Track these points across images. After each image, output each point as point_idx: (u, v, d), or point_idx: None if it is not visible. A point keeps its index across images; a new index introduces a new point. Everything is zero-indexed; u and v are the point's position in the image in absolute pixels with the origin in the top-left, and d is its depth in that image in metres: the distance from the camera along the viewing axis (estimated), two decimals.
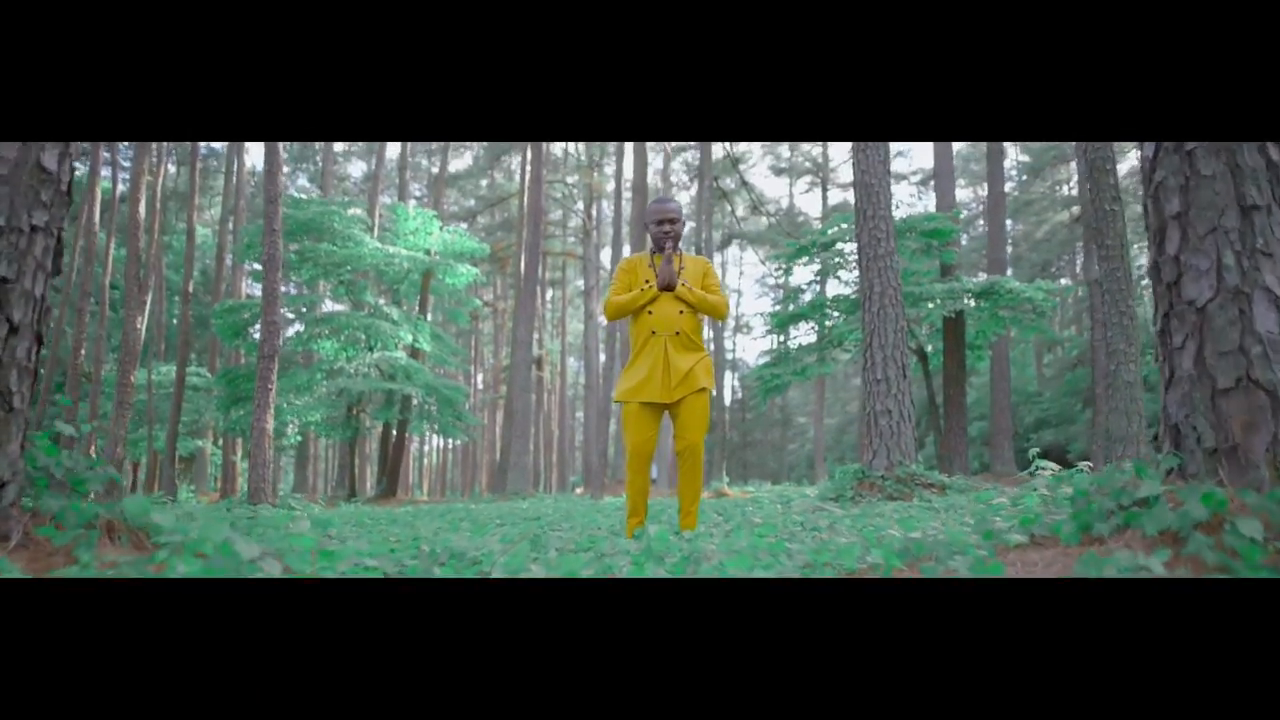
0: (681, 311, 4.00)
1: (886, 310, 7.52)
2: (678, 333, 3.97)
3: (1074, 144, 38.07)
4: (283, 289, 27.28)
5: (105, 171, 24.82)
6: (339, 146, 39.40)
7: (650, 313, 3.99)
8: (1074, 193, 41.88)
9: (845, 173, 41.29)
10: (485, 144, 39.14)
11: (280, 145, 10.01)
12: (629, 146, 28.27)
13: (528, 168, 28.52)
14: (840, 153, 40.10)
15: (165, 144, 27.46)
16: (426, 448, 55.32)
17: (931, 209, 19.31)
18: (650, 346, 3.99)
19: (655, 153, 34.18)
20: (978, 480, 10.09)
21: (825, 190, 39.70)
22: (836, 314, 15.40)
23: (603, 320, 38.58)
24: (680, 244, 4.26)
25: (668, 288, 3.96)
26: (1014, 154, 42.48)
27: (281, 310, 24.82)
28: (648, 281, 4.00)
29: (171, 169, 29.35)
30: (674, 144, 38.32)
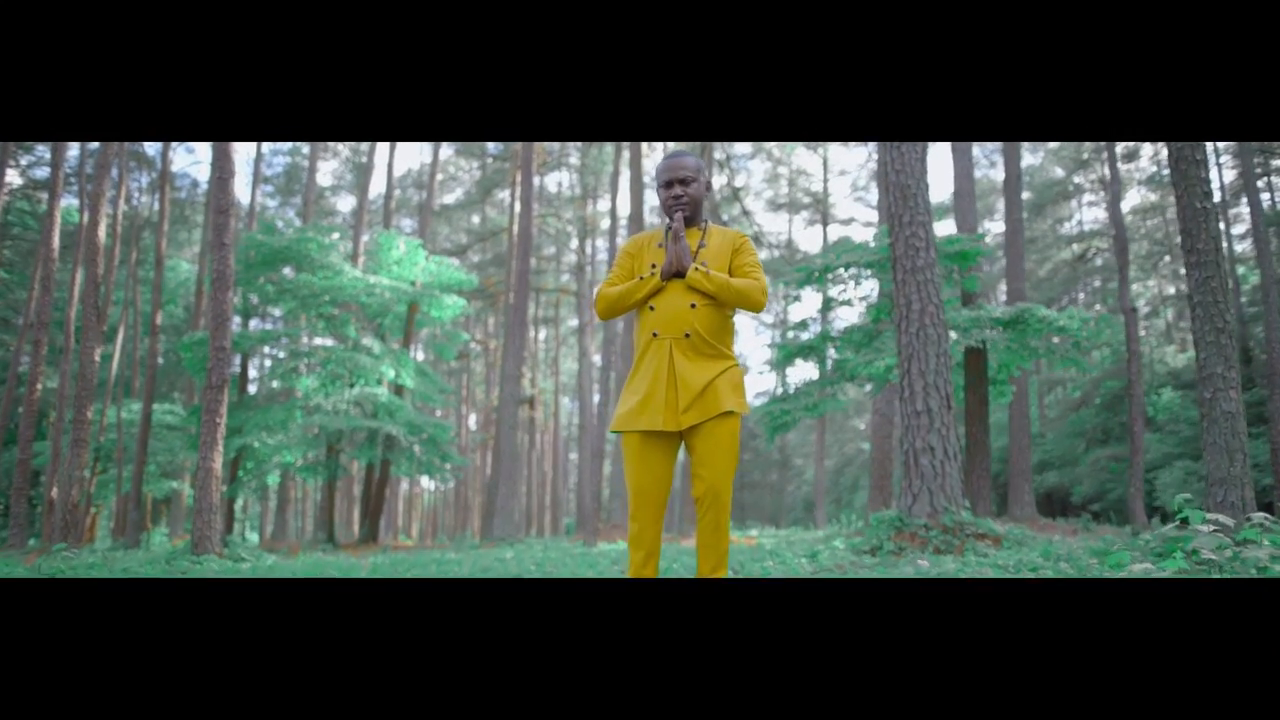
0: (694, 305, 2.82)
1: (927, 330, 6.46)
2: (687, 334, 2.79)
3: (1083, 174, 37.27)
4: (264, 325, 26.34)
5: (74, 201, 23.89)
6: (325, 180, 38.61)
7: (652, 308, 2.83)
8: (1075, 230, 41.21)
9: (844, 209, 40.74)
10: (477, 178, 38.39)
11: (232, 151, 9.02)
12: (624, 179, 27.46)
13: (518, 202, 27.66)
14: (841, 186, 39.38)
15: (130, 166, 26.49)
16: (416, 489, 53.88)
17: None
18: (652, 354, 2.80)
19: (652, 188, 33.46)
20: (999, 524, 8.96)
21: (825, 226, 39.02)
22: (842, 347, 14.37)
23: (596, 360, 37.55)
24: (704, 215, 3.05)
25: (677, 274, 2.81)
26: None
27: (264, 346, 23.88)
28: (653, 266, 2.86)
29: (147, 199, 28.46)
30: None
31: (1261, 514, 2.80)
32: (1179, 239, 33.31)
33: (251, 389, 24.37)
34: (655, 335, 2.82)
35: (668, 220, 3.04)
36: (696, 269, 2.80)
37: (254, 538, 39.97)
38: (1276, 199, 26.95)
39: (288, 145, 35.78)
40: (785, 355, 15.29)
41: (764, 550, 8.62)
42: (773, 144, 36.02)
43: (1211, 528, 2.71)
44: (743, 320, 52.69)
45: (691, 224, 2.92)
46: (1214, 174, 43.72)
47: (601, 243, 37.46)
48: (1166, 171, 34.00)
